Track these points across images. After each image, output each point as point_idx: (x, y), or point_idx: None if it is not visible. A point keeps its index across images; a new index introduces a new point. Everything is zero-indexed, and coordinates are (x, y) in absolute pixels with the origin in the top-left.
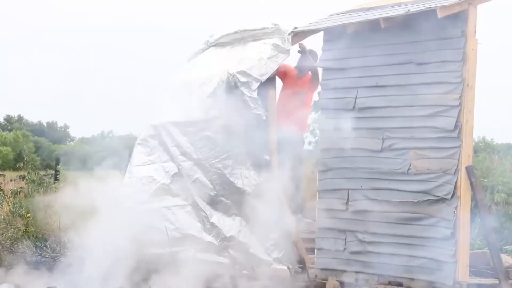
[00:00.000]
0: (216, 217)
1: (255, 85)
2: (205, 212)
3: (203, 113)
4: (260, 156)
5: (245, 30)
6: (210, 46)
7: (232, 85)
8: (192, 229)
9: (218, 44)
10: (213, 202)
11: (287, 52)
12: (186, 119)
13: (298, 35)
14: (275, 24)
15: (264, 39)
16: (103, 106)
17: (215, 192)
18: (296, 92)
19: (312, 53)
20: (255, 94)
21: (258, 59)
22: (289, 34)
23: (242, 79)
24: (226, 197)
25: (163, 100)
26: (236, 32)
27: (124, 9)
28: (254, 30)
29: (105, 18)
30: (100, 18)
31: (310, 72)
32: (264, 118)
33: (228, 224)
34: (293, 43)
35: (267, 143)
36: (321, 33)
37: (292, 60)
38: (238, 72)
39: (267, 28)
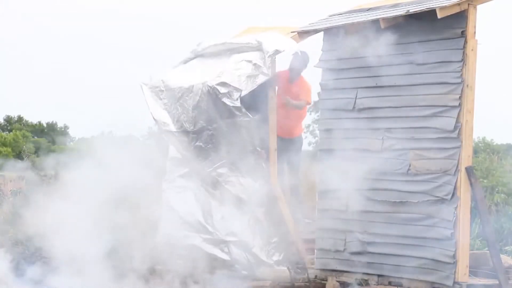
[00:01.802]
0: (227, 210)
1: (236, 95)
2: (213, 204)
3: (191, 124)
4: (253, 159)
5: (231, 43)
6: (197, 56)
7: (214, 97)
8: (204, 215)
9: (204, 54)
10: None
11: (267, 74)
12: (178, 129)
13: (299, 36)
14: (259, 42)
15: (248, 52)
16: (103, 106)
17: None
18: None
19: (301, 55)
20: (238, 103)
21: (238, 75)
22: (268, 56)
23: (222, 90)
24: (226, 203)
25: (150, 103)
26: (223, 43)
27: (125, 9)
28: (239, 43)
29: (105, 18)
30: (100, 18)
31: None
32: (252, 122)
33: (235, 218)
34: (293, 45)
35: (262, 146)
36: (321, 34)
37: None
38: (217, 84)
39: (251, 43)
